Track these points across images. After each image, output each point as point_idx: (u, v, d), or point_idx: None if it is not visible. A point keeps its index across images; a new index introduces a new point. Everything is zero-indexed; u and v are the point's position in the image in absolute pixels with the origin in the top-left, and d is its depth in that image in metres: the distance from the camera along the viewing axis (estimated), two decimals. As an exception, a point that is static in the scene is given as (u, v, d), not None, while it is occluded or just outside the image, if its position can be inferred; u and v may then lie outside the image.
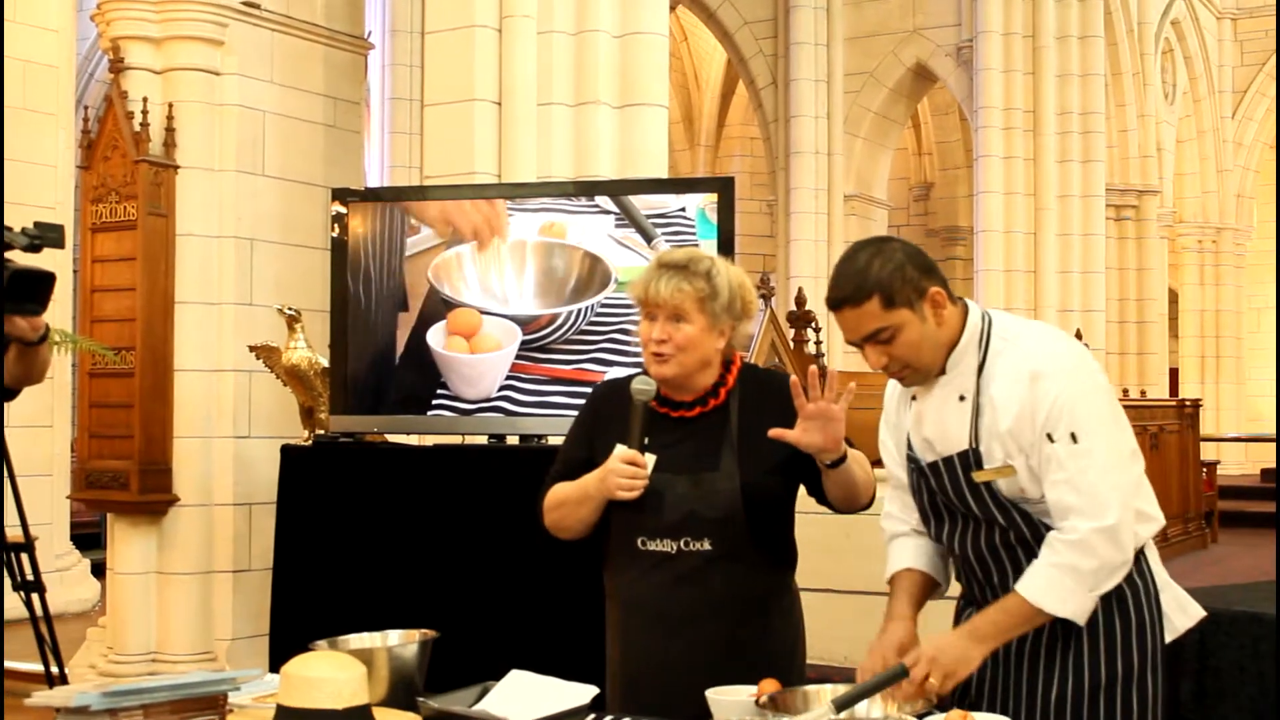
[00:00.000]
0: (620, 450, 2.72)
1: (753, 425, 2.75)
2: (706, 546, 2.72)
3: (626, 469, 2.70)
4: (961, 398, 2.53)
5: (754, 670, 2.54)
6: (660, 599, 2.75)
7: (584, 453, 2.85)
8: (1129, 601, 2.55)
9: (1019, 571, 2.50)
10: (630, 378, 2.81)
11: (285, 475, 5.10)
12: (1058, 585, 2.42)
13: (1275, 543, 7.27)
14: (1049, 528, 2.48)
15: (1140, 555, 2.59)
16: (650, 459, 2.73)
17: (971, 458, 2.52)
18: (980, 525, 2.57)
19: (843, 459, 2.66)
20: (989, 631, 2.47)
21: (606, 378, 3.11)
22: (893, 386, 2.70)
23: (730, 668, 2.60)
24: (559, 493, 2.85)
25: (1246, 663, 4.15)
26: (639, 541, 2.77)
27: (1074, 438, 2.43)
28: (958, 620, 2.69)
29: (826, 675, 2.36)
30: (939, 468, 2.57)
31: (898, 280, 2.46)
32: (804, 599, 2.92)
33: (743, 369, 2.86)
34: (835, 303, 2.50)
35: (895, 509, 2.76)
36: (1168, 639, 2.61)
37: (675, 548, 2.74)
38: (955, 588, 2.77)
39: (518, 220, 4.84)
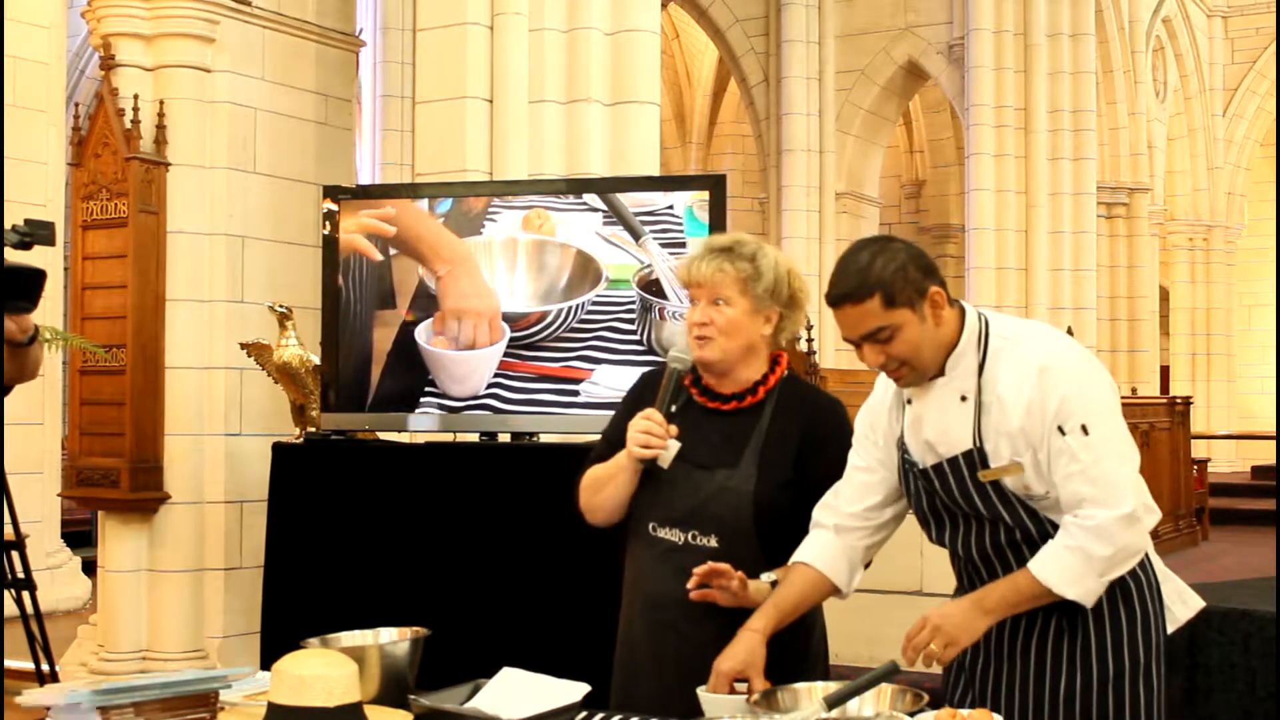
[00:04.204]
0: (644, 411, 2.69)
1: (781, 433, 2.72)
2: (713, 544, 2.67)
3: (644, 424, 2.66)
4: (963, 398, 2.52)
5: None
6: (663, 589, 2.72)
7: (623, 434, 2.79)
8: (1133, 594, 2.56)
9: None
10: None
11: (276, 473, 5.10)
12: (1069, 567, 2.42)
13: (1275, 539, 7.27)
14: (1054, 524, 2.47)
15: None
16: (674, 445, 2.70)
17: (976, 457, 2.50)
18: (984, 525, 2.56)
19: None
20: (996, 604, 2.47)
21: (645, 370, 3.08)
22: (884, 389, 2.66)
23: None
24: (594, 471, 2.82)
25: (1237, 659, 4.16)
26: (650, 526, 2.75)
27: (1085, 429, 2.43)
28: None
29: (846, 677, 2.34)
30: (943, 469, 2.55)
31: (900, 280, 2.44)
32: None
33: (787, 375, 2.81)
34: (836, 299, 2.47)
35: (832, 498, 2.69)
36: (1169, 630, 2.62)
37: (683, 539, 2.71)
38: (951, 585, 2.75)
39: (506, 217, 4.84)
